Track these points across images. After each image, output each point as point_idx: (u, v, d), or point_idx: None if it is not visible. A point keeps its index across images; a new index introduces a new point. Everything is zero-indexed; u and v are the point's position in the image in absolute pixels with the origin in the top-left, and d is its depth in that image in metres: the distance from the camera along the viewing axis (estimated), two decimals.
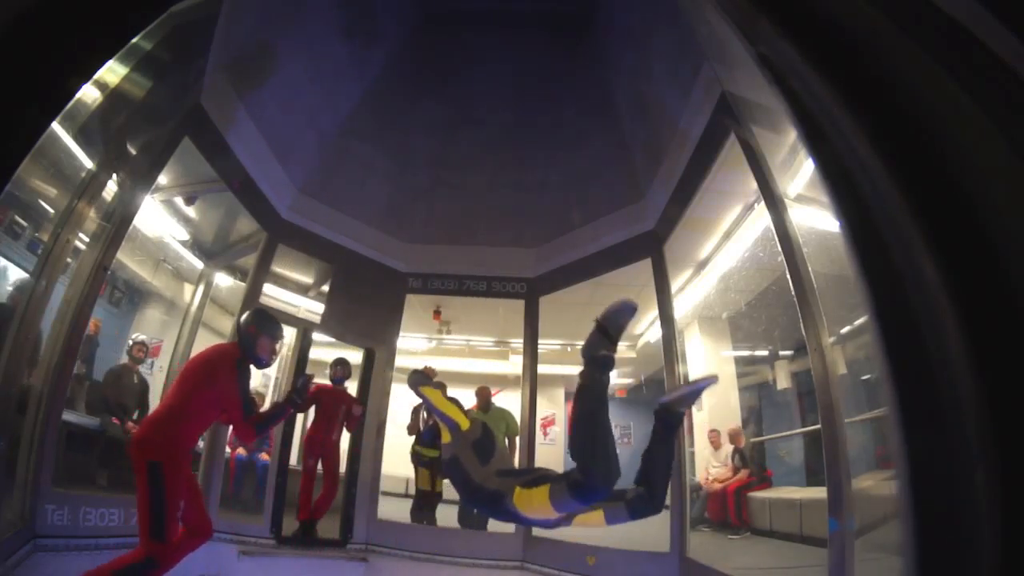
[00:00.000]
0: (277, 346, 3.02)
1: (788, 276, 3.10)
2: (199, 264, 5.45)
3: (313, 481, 5.05)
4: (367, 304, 5.64)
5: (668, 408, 2.29)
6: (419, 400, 5.54)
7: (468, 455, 2.39)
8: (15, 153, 0.95)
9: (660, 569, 4.11)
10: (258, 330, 2.91)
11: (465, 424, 2.46)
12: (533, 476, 2.23)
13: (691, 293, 5.67)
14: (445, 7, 5.37)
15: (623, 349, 8.38)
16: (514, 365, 7.02)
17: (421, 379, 2.64)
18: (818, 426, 2.91)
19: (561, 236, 5.69)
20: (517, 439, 5.38)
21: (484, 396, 5.43)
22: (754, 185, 3.43)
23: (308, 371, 4.68)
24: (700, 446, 5.52)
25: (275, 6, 4.11)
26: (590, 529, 2.30)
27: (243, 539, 4.46)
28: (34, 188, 3.39)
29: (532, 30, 5.36)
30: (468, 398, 5.49)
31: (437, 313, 6.89)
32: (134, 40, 1.20)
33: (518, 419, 5.43)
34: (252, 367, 2.93)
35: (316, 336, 5.54)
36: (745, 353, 6.39)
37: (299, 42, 4.43)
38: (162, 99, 3.58)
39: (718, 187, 4.05)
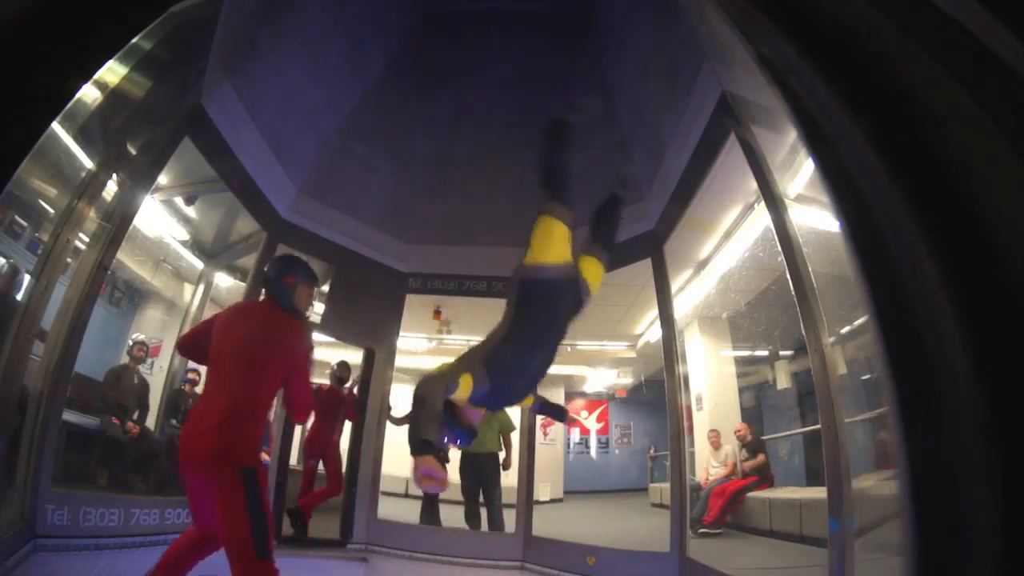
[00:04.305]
0: (316, 294, 2.59)
1: (788, 276, 3.10)
2: (199, 264, 5.45)
3: (313, 482, 5.06)
4: (367, 304, 5.64)
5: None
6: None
7: (502, 350, 2.06)
8: (15, 153, 0.95)
9: (660, 569, 4.11)
10: (297, 279, 2.42)
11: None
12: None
13: (691, 293, 5.67)
14: (445, 7, 5.37)
15: (623, 349, 8.39)
16: None
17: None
18: (818, 426, 2.91)
19: None
20: (513, 436, 5.38)
21: None
22: (754, 185, 3.42)
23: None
24: (700, 446, 5.52)
25: (275, 6, 4.11)
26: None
27: None
28: (34, 188, 3.39)
29: (532, 30, 5.36)
30: None
31: (437, 313, 6.89)
32: (134, 40, 1.20)
33: (517, 419, 5.43)
34: None
35: (316, 336, 5.54)
36: (745, 353, 6.40)
37: (299, 42, 4.43)
38: (162, 99, 3.58)
39: (718, 187, 4.05)
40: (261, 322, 2.37)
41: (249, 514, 2.09)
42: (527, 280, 2.20)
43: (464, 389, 1.97)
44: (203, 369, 5.26)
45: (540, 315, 2.18)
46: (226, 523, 2.10)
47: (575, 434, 10.87)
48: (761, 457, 5.14)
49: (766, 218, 3.47)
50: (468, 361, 2.05)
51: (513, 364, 2.13)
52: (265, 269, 2.62)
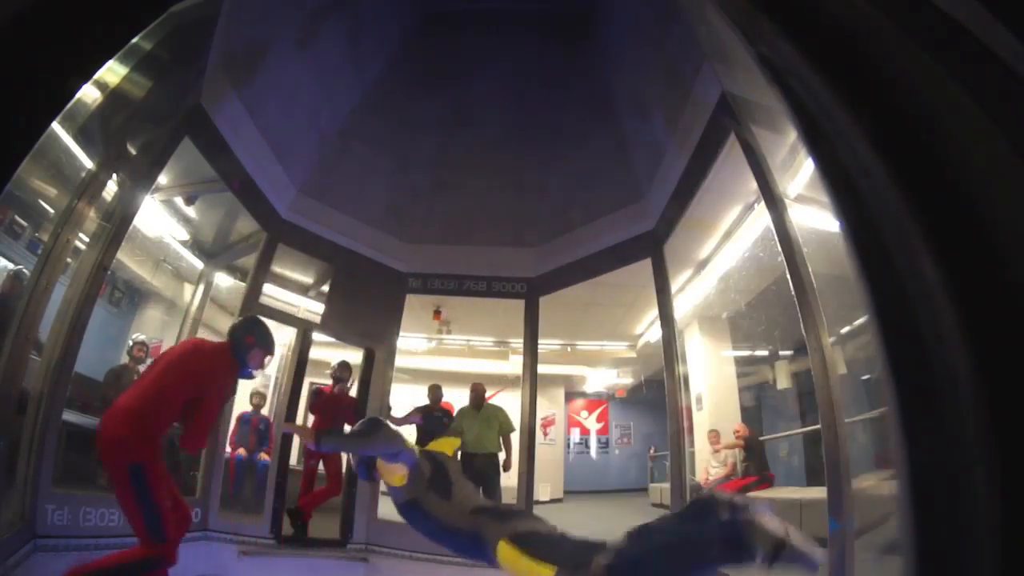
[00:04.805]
0: (267, 361, 2.95)
1: (788, 276, 3.10)
2: (199, 264, 5.45)
3: (313, 482, 5.06)
4: (367, 304, 5.64)
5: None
6: (421, 403, 5.60)
7: (428, 496, 2.21)
8: (15, 153, 0.95)
9: None
10: (256, 342, 2.84)
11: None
12: (519, 528, 2.00)
13: (691, 293, 5.67)
14: (445, 7, 5.37)
15: (623, 349, 8.40)
16: (514, 365, 7.02)
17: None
18: (818, 426, 2.91)
19: (561, 236, 5.69)
20: (513, 436, 5.38)
21: (478, 393, 5.43)
22: (754, 185, 3.43)
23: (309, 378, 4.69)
24: (700, 446, 5.52)
25: (275, 6, 4.11)
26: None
27: (243, 539, 4.45)
28: (34, 188, 3.39)
29: (532, 30, 5.36)
30: (465, 398, 5.50)
31: (437, 313, 6.89)
32: (134, 40, 1.20)
33: (517, 419, 5.43)
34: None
35: (316, 336, 5.54)
36: (745, 353, 6.40)
37: (299, 42, 4.43)
38: (162, 99, 3.57)
39: (718, 187, 4.05)
40: (203, 352, 2.77)
41: (139, 507, 2.39)
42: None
43: (395, 475, 2.18)
44: None
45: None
46: (125, 511, 2.47)
47: (575, 434, 10.89)
48: (740, 441, 5.16)
49: (766, 218, 3.47)
50: (423, 473, 2.22)
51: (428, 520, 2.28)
52: (237, 322, 3.12)
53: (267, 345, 2.90)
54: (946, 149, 0.82)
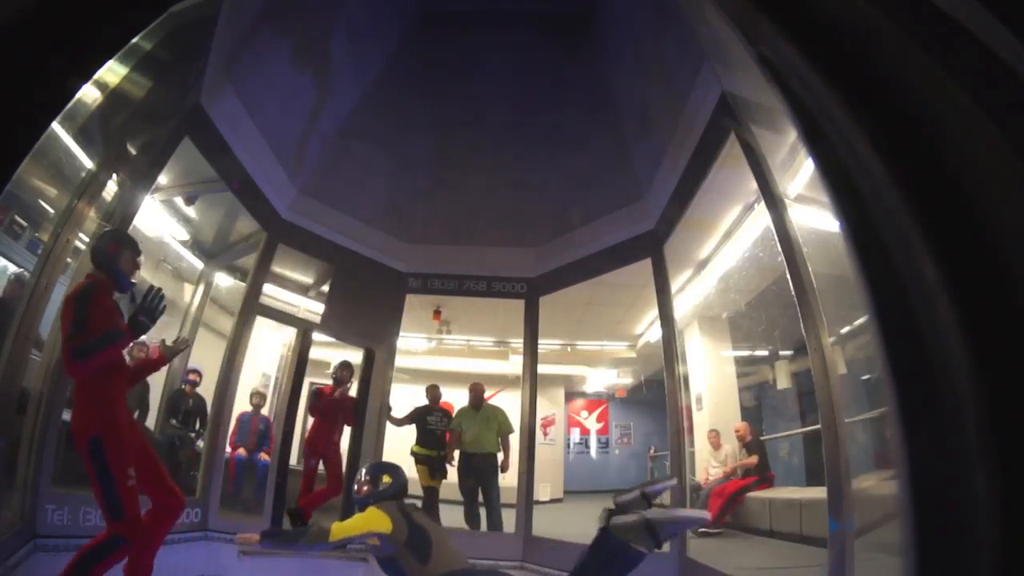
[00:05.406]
0: (139, 261, 2.79)
1: (788, 276, 3.10)
2: (199, 264, 5.45)
3: (313, 482, 5.06)
4: (367, 304, 5.64)
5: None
6: (420, 403, 5.60)
7: (405, 557, 2.40)
8: (15, 153, 0.95)
9: (660, 569, 4.10)
10: (120, 248, 2.69)
11: (388, 528, 2.44)
12: None
13: (691, 293, 5.67)
14: (445, 7, 5.37)
15: (623, 349, 8.40)
16: (514, 365, 7.02)
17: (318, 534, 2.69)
18: (818, 426, 2.91)
19: (561, 236, 5.69)
20: (513, 437, 5.38)
21: (477, 393, 5.43)
22: (754, 185, 3.43)
23: (309, 378, 4.65)
24: (700, 446, 5.52)
25: (275, 6, 4.11)
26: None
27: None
28: (34, 188, 3.39)
29: (532, 30, 5.36)
30: (465, 398, 5.50)
31: (437, 313, 6.90)
32: (134, 40, 1.20)
33: (517, 419, 5.43)
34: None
35: (316, 336, 5.54)
36: (745, 353, 6.39)
37: (299, 42, 4.43)
38: (162, 99, 3.58)
39: (718, 187, 4.05)
40: (72, 290, 2.65)
41: (99, 482, 2.39)
42: None
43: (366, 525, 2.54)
44: (203, 369, 5.29)
45: None
46: (93, 491, 2.46)
47: (575, 434, 10.90)
48: (753, 458, 5.14)
49: (766, 218, 3.46)
50: (397, 539, 2.46)
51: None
52: (95, 241, 2.89)
53: (132, 246, 2.75)
54: (946, 149, 0.82)
